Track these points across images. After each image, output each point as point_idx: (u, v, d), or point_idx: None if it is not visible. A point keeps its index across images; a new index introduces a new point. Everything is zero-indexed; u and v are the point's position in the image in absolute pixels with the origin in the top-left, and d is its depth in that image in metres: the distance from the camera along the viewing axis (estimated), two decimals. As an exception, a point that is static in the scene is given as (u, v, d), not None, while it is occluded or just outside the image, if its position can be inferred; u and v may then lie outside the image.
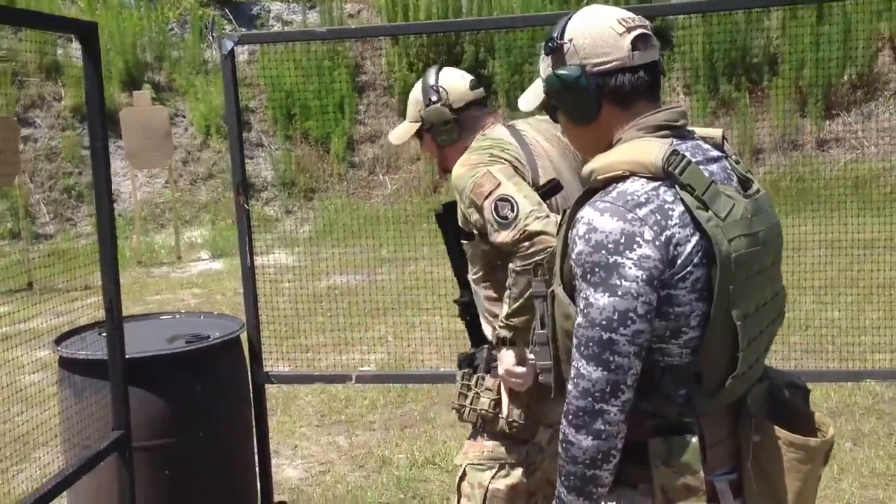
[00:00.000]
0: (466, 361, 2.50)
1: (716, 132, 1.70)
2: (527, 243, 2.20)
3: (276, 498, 3.55)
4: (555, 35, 1.66)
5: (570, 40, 1.63)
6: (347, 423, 4.89)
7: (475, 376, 2.44)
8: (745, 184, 1.64)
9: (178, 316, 3.66)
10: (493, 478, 2.42)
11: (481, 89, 2.57)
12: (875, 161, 10.31)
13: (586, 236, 1.50)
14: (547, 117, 2.10)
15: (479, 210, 2.30)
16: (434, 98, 2.50)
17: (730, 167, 1.65)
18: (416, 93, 2.58)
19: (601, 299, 1.48)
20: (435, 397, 5.09)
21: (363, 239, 7.99)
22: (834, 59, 10.79)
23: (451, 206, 2.51)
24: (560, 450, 1.56)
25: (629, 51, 1.60)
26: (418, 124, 2.56)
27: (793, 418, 1.64)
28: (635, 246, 1.47)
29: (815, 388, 4.85)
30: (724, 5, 7.26)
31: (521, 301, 2.25)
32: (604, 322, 1.48)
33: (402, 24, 9.31)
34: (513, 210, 2.22)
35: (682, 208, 1.50)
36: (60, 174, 11.23)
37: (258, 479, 3.40)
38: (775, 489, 1.59)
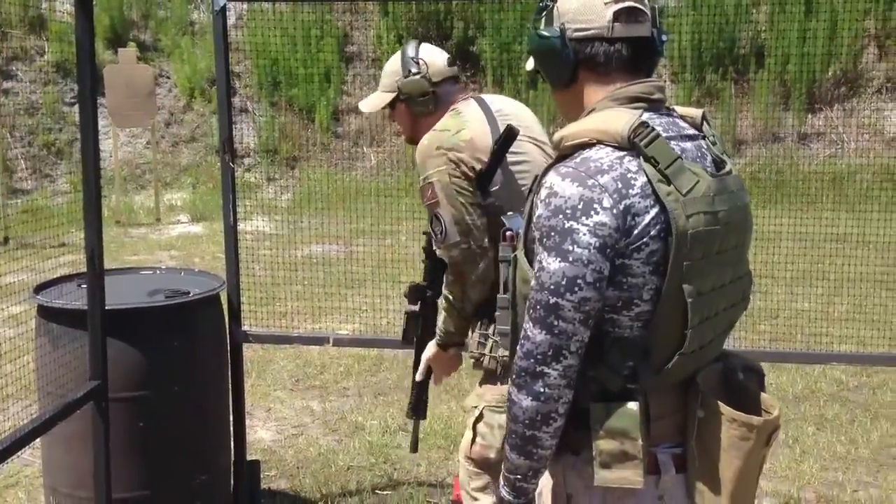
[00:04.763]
0: (482, 312, 2.52)
1: (696, 112, 1.70)
2: (450, 272, 2.47)
3: (249, 457, 3.59)
4: None
5: (556, 3, 1.65)
6: (321, 389, 4.93)
7: (493, 325, 2.45)
8: (718, 164, 1.64)
9: (158, 271, 3.66)
10: None
11: (457, 66, 2.65)
12: (853, 157, 10.43)
13: (546, 200, 1.52)
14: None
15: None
16: (414, 70, 2.57)
17: (705, 146, 1.65)
18: (393, 64, 2.63)
19: (552, 264, 1.50)
20: (409, 366, 5.11)
21: (343, 210, 7.98)
22: (819, 54, 10.88)
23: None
24: (506, 407, 1.58)
25: (609, 21, 1.60)
26: (393, 94, 2.62)
27: (742, 399, 1.63)
28: (592, 213, 1.48)
29: (782, 373, 4.97)
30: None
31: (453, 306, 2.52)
32: (552, 286, 1.50)
33: (393, -4, 9.26)
34: (441, 232, 2.43)
35: (644, 179, 1.50)
36: (41, 130, 11.12)
37: (232, 438, 3.44)
38: (716, 466, 1.58)
